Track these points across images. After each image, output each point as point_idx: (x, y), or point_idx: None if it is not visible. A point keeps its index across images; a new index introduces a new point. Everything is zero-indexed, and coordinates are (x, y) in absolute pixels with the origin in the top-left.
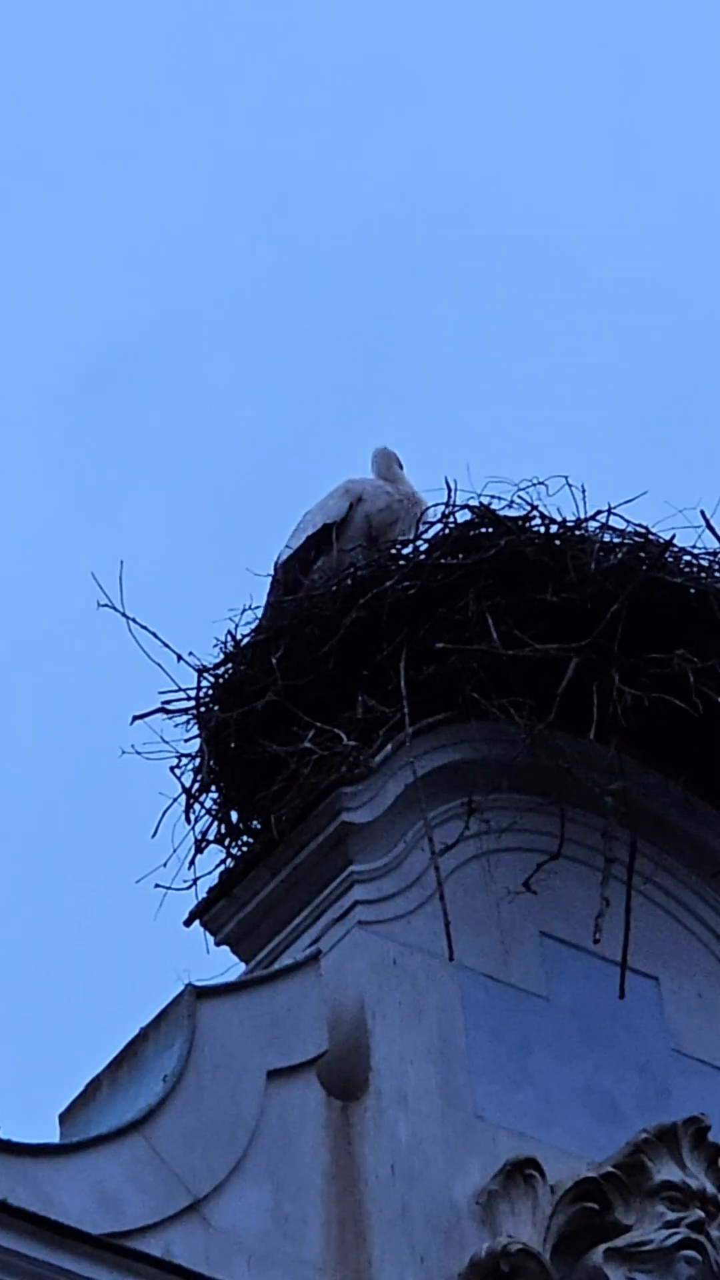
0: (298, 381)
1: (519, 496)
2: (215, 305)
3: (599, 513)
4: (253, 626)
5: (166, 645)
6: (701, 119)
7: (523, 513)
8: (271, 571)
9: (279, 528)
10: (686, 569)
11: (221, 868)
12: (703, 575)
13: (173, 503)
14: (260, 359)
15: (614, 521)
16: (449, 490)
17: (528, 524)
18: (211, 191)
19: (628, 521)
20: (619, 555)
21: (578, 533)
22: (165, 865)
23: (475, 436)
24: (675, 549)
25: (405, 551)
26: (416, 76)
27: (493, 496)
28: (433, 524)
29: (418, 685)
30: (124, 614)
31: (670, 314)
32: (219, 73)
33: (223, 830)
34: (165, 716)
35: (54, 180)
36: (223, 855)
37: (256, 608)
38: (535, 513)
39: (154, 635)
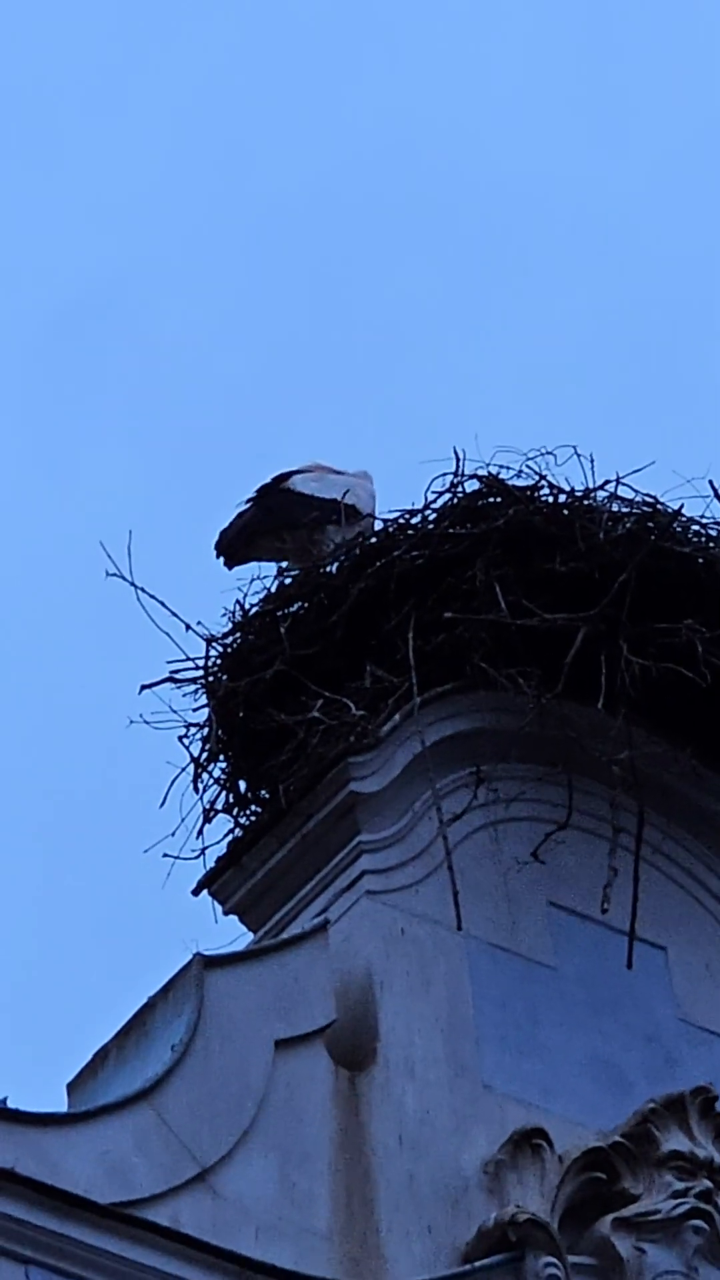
0: (279, 334)
1: (527, 466)
2: (188, 251)
3: (607, 482)
4: (261, 596)
5: (175, 614)
6: (684, 61)
7: (531, 482)
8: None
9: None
10: (695, 539)
11: (229, 837)
12: (711, 545)
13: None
14: (239, 309)
15: (622, 491)
16: (457, 460)
17: (536, 494)
18: (181, 135)
19: (636, 491)
20: (627, 525)
21: (586, 502)
22: (173, 835)
23: (483, 405)
24: (683, 519)
25: (414, 521)
26: (392, 23)
27: (501, 466)
28: (441, 493)
29: (426, 655)
30: (132, 583)
31: (682, 284)
32: (192, 14)
33: (231, 800)
34: (173, 686)
35: (18, 124)
36: (231, 825)
37: (265, 577)
38: (543, 482)
39: (162, 604)
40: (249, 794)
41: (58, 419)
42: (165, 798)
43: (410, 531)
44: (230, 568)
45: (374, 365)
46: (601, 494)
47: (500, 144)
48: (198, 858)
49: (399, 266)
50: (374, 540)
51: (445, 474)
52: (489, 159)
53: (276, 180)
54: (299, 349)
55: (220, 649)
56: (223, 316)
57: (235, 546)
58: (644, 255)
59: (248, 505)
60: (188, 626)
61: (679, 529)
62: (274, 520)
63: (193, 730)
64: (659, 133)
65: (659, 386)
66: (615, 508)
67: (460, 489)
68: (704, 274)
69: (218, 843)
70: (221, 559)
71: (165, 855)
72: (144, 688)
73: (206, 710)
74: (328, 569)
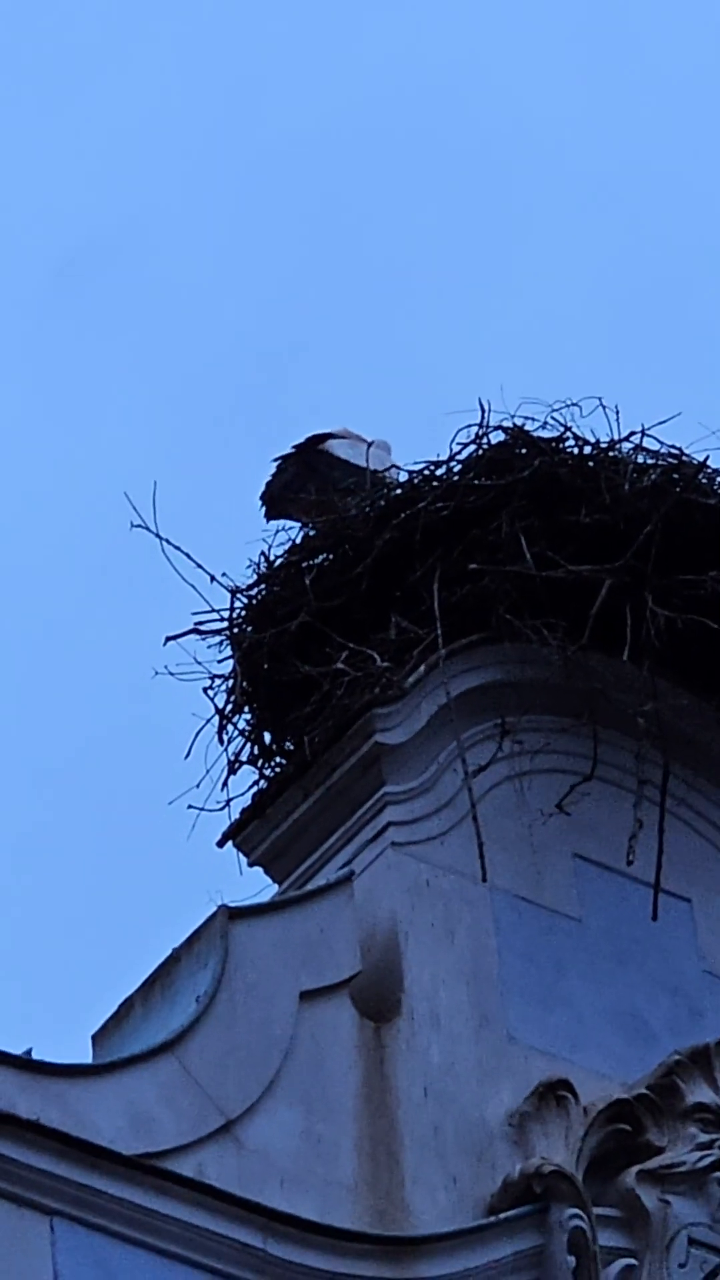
0: (289, 280)
1: (553, 418)
2: (194, 195)
3: (632, 434)
4: (286, 548)
5: (199, 566)
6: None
7: (556, 434)
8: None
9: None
10: None
11: (254, 789)
12: None
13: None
14: (248, 255)
15: (647, 443)
16: (482, 411)
17: (561, 445)
18: (185, 79)
19: (661, 443)
20: (653, 477)
21: (611, 454)
22: (198, 786)
23: (508, 356)
24: (709, 470)
25: (439, 473)
26: None
27: (526, 418)
28: (466, 445)
29: (451, 606)
30: (157, 534)
31: (712, 232)
32: None
33: (255, 751)
34: (198, 637)
35: (19, 71)
36: (255, 776)
37: (290, 529)
38: (569, 434)
39: (187, 556)
40: (274, 746)
41: (71, 369)
42: (190, 749)
43: (435, 483)
44: (270, 519)
45: (390, 312)
46: (627, 445)
47: (511, 82)
48: (222, 809)
49: (411, 211)
50: (399, 492)
51: (470, 425)
52: (499, 99)
53: (282, 124)
54: (311, 295)
55: (245, 600)
56: (231, 262)
57: (278, 501)
58: (675, 202)
59: (284, 461)
60: (212, 578)
61: (704, 480)
62: (316, 479)
63: (217, 682)
64: (676, 68)
65: (685, 338)
66: (640, 459)
67: (485, 440)
68: None
69: (242, 794)
70: (264, 509)
71: (190, 807)
72: (169, 639)
73: (231, 662)
74: (352, 518)
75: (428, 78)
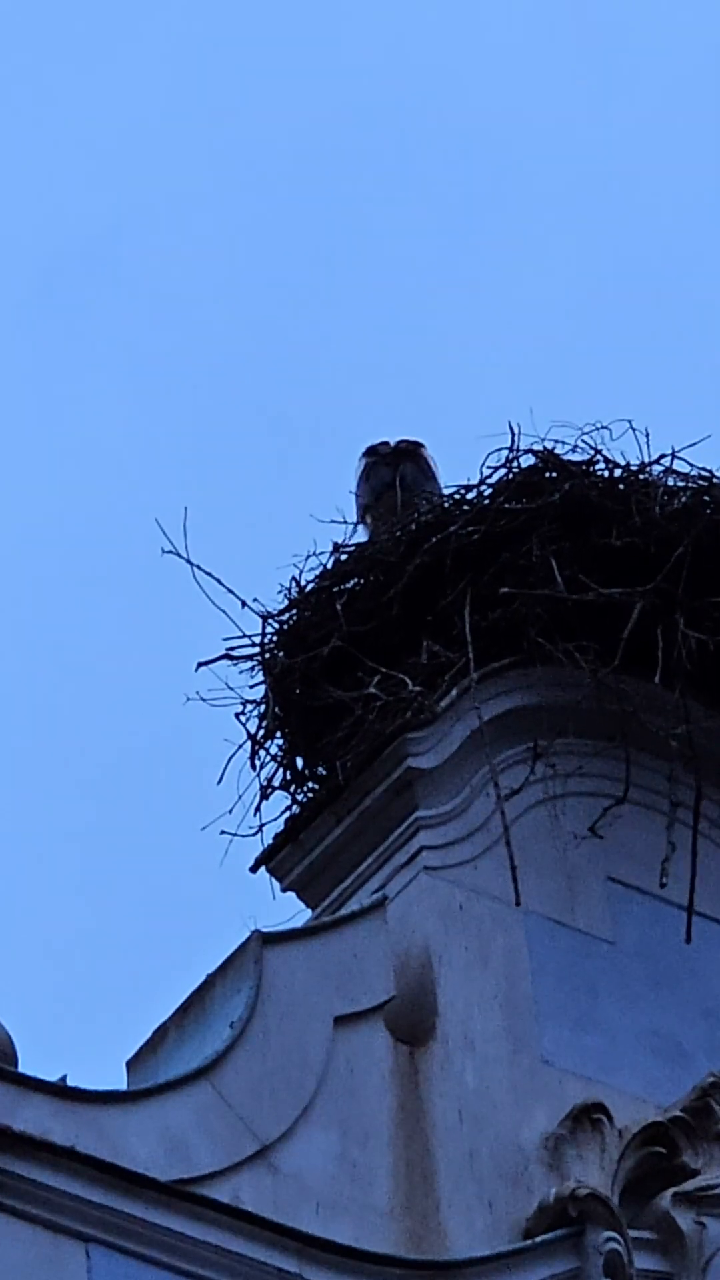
0: (287, 295)
1: (583, 441)
2: (186, 201)
3: (663, 456)
4: (317, 573)
5: (231, 591)
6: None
7: (587, 457)
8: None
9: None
10: None
11: (287, 814)
12: None
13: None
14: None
15: (678, 465)
16: (512, 435)
17: (591, 468)
18: (179, 79)
19: (691, 465)
20: (683, 499)
21: (642, 477)
22: (230, 812)
23: (537, 379)
24: None
25: (469, 496)
26: None
27: (557, 441)
28: (496, 468)
29: (482, 630)
30: (189, 560)
31: None
32: None
33: (288, 776)
34: (230, 663)
35: (11, 67)
36: (288, 801)
37: (321, 554)
38: (599, 457)
39: (218, 581)
40: (306, 770)
41: (63, 377)
42: (223, 775)
43: (466, 507)
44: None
45: (409, 327)
46: (657, 468)
47: (517, 81)
48: (255, 834)
49: (425, 221)
50: (430, 516)
51: (500, 449)
52: (502, 95)
53: (280, 124)
54: (323, 314)
55: (277, 626)
56: (231, 269)
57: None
58: (704, 224)
59: (374, 462)
60: (244, 603)
61: None
62: (403, 490)
63: (249, 707)
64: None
65: (715, 360)
66: (671, 482)
67: (516, 464)
68: None
69: (275, 819)
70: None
71: (223, 832)
72: (201, 665)
73: (263, 687)
74: (384, 544)
75: (416, 81)
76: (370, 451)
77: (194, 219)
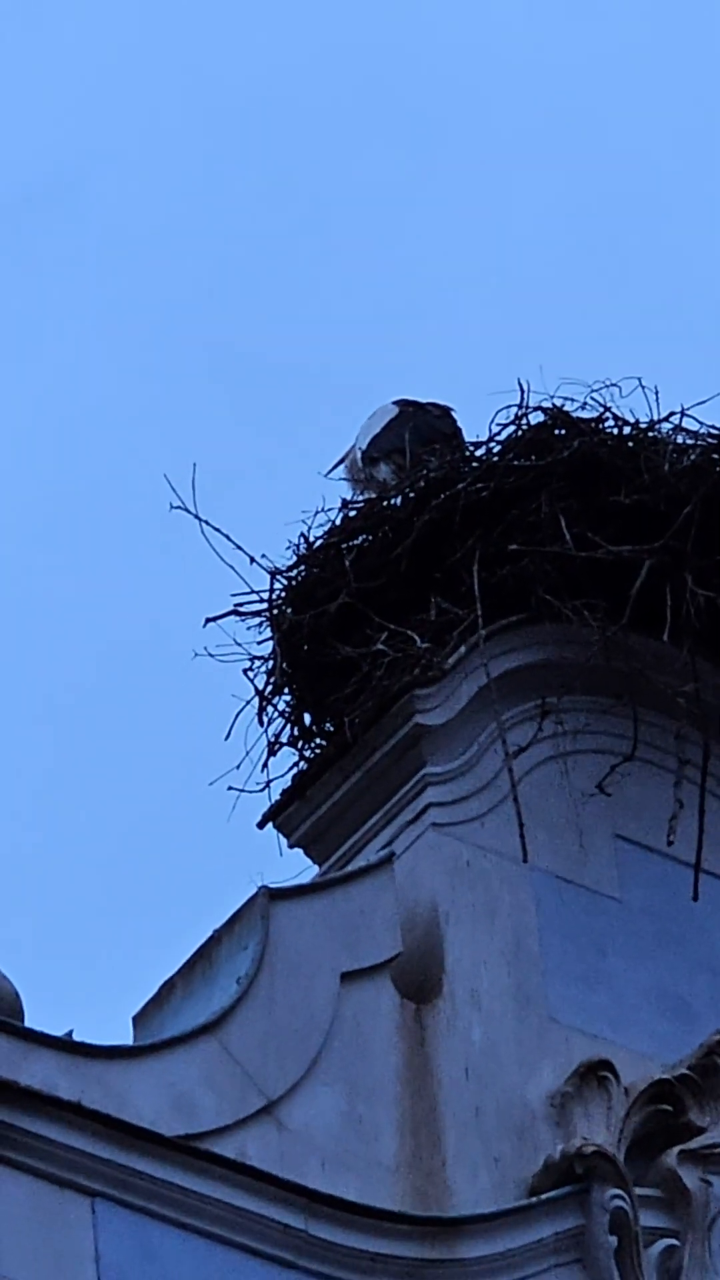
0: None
1: (592, 398)
2: (153, 138)
3: (672, 414)
4: (325, 529)
5: (239, 547)
6: None
7: (596, 414)
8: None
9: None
10: None
11: (294, 770)
12: None
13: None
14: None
15: (687, 423)
16: (521, 392)
17: (601, 426)
18: (149, 12)
19: (701, 423)
20: (692, 457)
21: (651, 434)
22: (238, 768)
23: (547, 336)
24: None
25: (478, 453)
26: None
27: (566, 398)
28: (505, 425)
29: (491, 587)
30: (197, 516)
31: None
32: None
33: (295, 733)
34: (238, 619)
35: None
36: (296, 758)
37: (330, 510)
38: (608, 414)
39: (226, 537)
40: (314, 727)
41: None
42: (230, 731)
43: (475, 464)
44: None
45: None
46: (666, 426)
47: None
48: (262, 791)
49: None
50: (439, 472)
51: (509, 406)
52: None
53: (259, 59)
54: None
55: (285, 582)
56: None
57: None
58: (713, 185)
59: (403, 410)
60: (252, 559)
61: None
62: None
63: (257, 663)
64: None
65: None
66: (680, 440)
67: (525, 421)
68: None
69: (282, 776)
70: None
71: (230, 788)
72: (208, 621)
73: (271, 643)
74: (392, 502)
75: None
76: (405, 402)
77: (175, 155)
